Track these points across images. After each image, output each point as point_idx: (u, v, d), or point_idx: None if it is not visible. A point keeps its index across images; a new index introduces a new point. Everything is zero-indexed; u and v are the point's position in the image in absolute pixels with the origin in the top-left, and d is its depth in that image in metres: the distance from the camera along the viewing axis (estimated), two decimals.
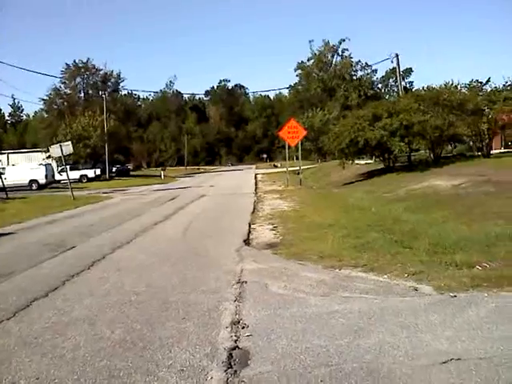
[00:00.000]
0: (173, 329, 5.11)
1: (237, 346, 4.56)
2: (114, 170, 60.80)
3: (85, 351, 4.61)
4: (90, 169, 53.03)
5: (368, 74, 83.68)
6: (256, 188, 29.42)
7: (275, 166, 72.25)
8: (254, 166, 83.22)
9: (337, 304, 5.64)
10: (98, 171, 53.38)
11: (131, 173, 67.74)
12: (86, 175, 51.01)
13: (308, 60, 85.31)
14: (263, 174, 50.90)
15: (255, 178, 42.93)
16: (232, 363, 4.20)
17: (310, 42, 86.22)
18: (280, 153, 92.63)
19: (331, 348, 4.37)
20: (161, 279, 7.35)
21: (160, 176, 55.25)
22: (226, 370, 4.05)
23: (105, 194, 30.33)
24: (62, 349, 4.70)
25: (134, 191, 33.48)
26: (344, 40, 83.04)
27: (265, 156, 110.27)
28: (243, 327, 5.05)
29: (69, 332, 5.16)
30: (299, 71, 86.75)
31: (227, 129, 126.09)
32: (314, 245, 9.19)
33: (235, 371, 4.04)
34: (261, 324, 5.12)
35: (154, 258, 9.09)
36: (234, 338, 4.77)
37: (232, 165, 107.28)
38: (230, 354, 4.38)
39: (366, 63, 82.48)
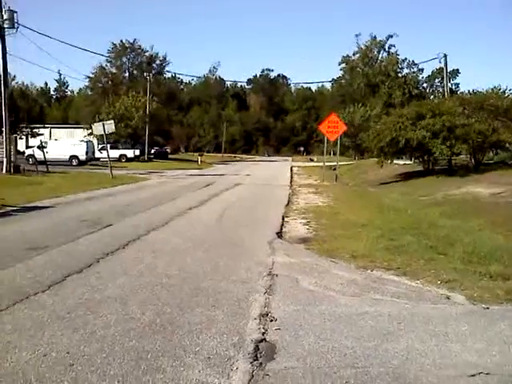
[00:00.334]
0: (202, 315, 5.17)
1: (264, 339, 4.59)
2: (152, 151, 61.55)
3: (115, 330, 4.71)
4: (130, 149, 53.78)
5: (414, 72, 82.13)
6: (291, 181, 29.39)
7: (311, 160, 71.99)
8: (290, 159, 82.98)
9: (367, 305, 5.61)
10: (137, 152, 54.06)
11: (169, 156, 68.36)
12: (125, 155, 51.72)
13: (353, 54, 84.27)
14: (299, 167, 50.77)
15: (291, 170, 42.86)
16: (258, 355, 4.23)
17: (356, 35, 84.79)
18: (318, 147, 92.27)
19: (358, 350, 4.36)
20: (193, 264, 7.44)
21: (197, 161, 55.69)
22: (251, 362, 4.08)
23: (142, 175, 30.77)
24: (93, 326, 4.81)
25: (171, 174, 33.87)
26: (392, 36, 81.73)
27: (302, 149, 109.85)
28: (271, 320, 5.08)
29: (100, 310, 5.27)
30: (343, 65, 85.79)
31: (266, 119, 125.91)
32: (347, 243, 9.14)
33: (261, 364, 4.06)
34: (289, 319, 5.14)
35: (188, 242, 9.20)
36: (262, 330, 4.81)
37: (269, 155, 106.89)
38: (257, 346, 4.41)
39: (412, 61, 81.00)
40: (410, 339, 4.61)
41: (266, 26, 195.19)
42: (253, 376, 3.85)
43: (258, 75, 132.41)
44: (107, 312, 5.20)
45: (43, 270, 6.79)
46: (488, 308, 5.54)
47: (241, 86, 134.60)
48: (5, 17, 25.98)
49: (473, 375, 3.90)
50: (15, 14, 26.44)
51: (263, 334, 4.72)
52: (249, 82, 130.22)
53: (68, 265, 7.17)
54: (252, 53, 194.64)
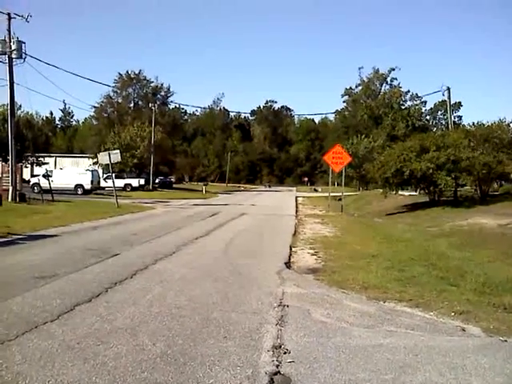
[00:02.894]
0: (214, 347, 5.08)
1: (278, 372, 4.49)
2: (157, 181, 61.75)
3: (126, 361, 4.61)
4: (135, 178, 53.99)
5: (417, 104, 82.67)
6: (297, 211, 29.33)
7: (315, 191, 72.15)
8: (294, 189, 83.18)
9: (382, 337, 5.51)
10: (142, 181, 54.27)
11: (173, 185, 68.54)
12: (130, 184, 51.89)
13: (356, 86, 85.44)
14: (304, 197, 50.79)
15: (296, 200, 42.82)
16: None
17: (359, 68, 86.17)
18: (321, 177, 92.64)
19: (375, 382, 4.26)
20: (202, 295, 7.35)
21: (201, 191, 55.78)
22: None
23: (147, 205, 30.76)
24: (104, 356, 4.72)
25: (176, 204, 33.89)
26: (394, 69, 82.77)
27: (306, 179, 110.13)
28: (285, 352, 4.98)
29: (111, 340, 5.18)
30: (346, 97, 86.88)
31: (270, 149, 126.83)
32: (356, 274, 9.04)
33: None
34: (303, 351, 5.04)
35: (195, 272, 9.12)
36: (276, 362, 4.70)
37: (269, 186, 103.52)
38: (272, 379, 4.31)
39: (416, 94, 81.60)
40: (427, 372, 4.50)
41: (269, 59, 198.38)
42: None
43: (261, 106, 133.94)
44: (118, 342, 5.11)
45: (51, 300, 6.71)
46: (506, 341, 5.43)
47: (244, 116, 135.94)
48: (13, 47, 26.38)
49: None
50: (23, 45, 26.86)
51: (277, 366, 4.62)
52: (252, 113, 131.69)
53: (76, 294, 7.09)
54: (256, 84, 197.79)
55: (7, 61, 26.64)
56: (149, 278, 8.51)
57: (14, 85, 27.43)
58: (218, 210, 27.18)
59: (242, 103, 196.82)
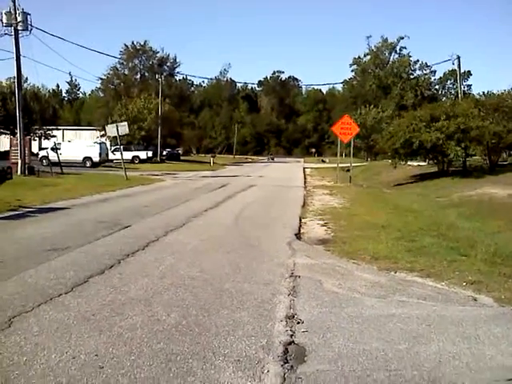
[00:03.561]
0: (228, 317, 5.12)
1: (292, 341, 4.53)
2: (164, 153, 61.65)
3: (142, 332, 4.66)
4: (142, 151, 53.88)
5: (426, 74, 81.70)
6: (305, 182, 29.31)
7: (323, 162, 71.86)
8: (302, 160, 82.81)
9: (394, 308, 5.54)
10: (150, 153, 54.14)
11: (181, 157, 68.47)
12: (138, 156, 51.81)
13: (364, 56, 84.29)
14: (311, 168, 50.63)
15: (304, 171, 42.74)
16: (288, 358, 4.17)
17: (367, 37, 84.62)
18: (329, 148, 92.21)
19: (389, 352, 4.28)
20: (214, 266, 7.40)
21: (209, 163, 55.72)
22: (282, 365, 4.02)
23: (156, 177, 30.80)
24: (120, 328, 4.77)
25: (184, 176, 33.93)
26: (403, 38, 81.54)
27: (314, 150, 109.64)
28: (298, 322, 5.02)
29: (125, 311, 5.24)
30: (355, 66, 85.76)
31: (278, 120, 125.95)
32: (367, 244, 9.05)
33: (292, 367, 4.00)
34: (316, 321, 5.08)
35: (206, 244, 9.18)
36: (290, 332, 4.75)
37: (272, 159, 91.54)
38: (286, 349, 4.35)
39: (425, 63, 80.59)
40: (441, 342, 4.53)
41: (276, 28, 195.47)
42: (285, 379, 3.80)
43: (268, 77, 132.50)
44: (132, 314, 5.17)
45: (65, 272, 6.77)
46: None
47: (251, 87, 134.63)
48: (18, 19, 26.14)
49: (510, 379, 3.81)
50: (28, 16, 26.63)
51: (291, 336, 4.66)
52: (260, 83, 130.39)
53: (89, 266, 7.15)
54: (262, 55, 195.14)
55: (13, 33, 26.46)
56: (160, 249, 8.57)
57: (21, 57, 27.31)
58: (226, 182, 27.20)
59: (248, 74, 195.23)
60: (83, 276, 6.57)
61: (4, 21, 26.12)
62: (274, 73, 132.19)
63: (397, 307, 5.56)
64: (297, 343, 4.50)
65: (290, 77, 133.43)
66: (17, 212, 12.99)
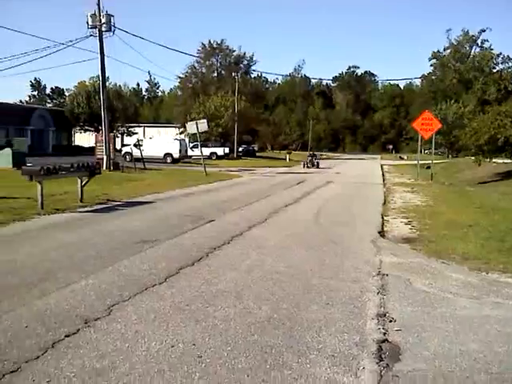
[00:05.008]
0: (318, 312, 5.14)
1: (386, 339, 4.49)
2: (240, 149, 62.40)
3: (235, 324, 4.77)
4: (220, 147, 54.83)
5: (510, 67, 77.80)
6: (384, 179, 28.76)
7: (401, 158, 70.23)
8: (378, 157, 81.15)
9: (488, 309, 5.36)
10: (227, 150, 55.10)
11: (256, 154, 69.04)
12: (215, 153, 52.84)
13: (444, 50, 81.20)
14: (389, 165, 49.54)
15: (381, 168, 41.94)
16: (382, 356, 4.14)
17: (447, 31, 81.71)
18: (407, 145, 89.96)
19: (489, 355, 4.15)
20: (299, 262, 7.43)
21: (285, 159, 55.84)
22: (377, 363, 4.00)
23: (234, 173, 31.21)
24: (214, 318, 4.90)
25: (261, 172, 34.18)
26: (484, 30, 77.87)
27: (391, 147, 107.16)
28: (390, 321, 4.96)
29: (218, 303, 5.37)
30: (434, 61, 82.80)
31: (353, 116, 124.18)
32: (454, 244, 8.79)
33: (387, 365, 3.97)
34: (409, 320, 5.00)
35: (289, 240, 9.21)
36: (383, 330, 4.70)
37: (313, 165, 40.34)
38: (380, 347, 4.32)
39: (508, 56, 76.75)
40: None
41: (351, 23, 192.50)
42: (381, 376, 3.77)
43: (343, 72, 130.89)
44: (225, 305, 5.29)
45: (157, 263, 7.03)
46: None
47: (326, 83, 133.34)
48: (103, 21, 27.25)
49: None
50: (112, 18, 27.69)
51: (384, 334, 4.62)
52: (334, 79, 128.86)
53: (179, 258, 7.39)
54: (337, 50, 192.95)
55: (97, 34, 27.61)
56: (245, 244, 8.71)
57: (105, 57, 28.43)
58: (303, 178, 27.17)
59: (323, 70, 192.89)
60: (174, 267, 6.79)
61: (89, 23, 27.32)
62: (350, 68, 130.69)
63: (492, 309, 5.37)
64: (390, 341, 4.45)
65: (365, 72, 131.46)
66: (106, 205, 13.58)
